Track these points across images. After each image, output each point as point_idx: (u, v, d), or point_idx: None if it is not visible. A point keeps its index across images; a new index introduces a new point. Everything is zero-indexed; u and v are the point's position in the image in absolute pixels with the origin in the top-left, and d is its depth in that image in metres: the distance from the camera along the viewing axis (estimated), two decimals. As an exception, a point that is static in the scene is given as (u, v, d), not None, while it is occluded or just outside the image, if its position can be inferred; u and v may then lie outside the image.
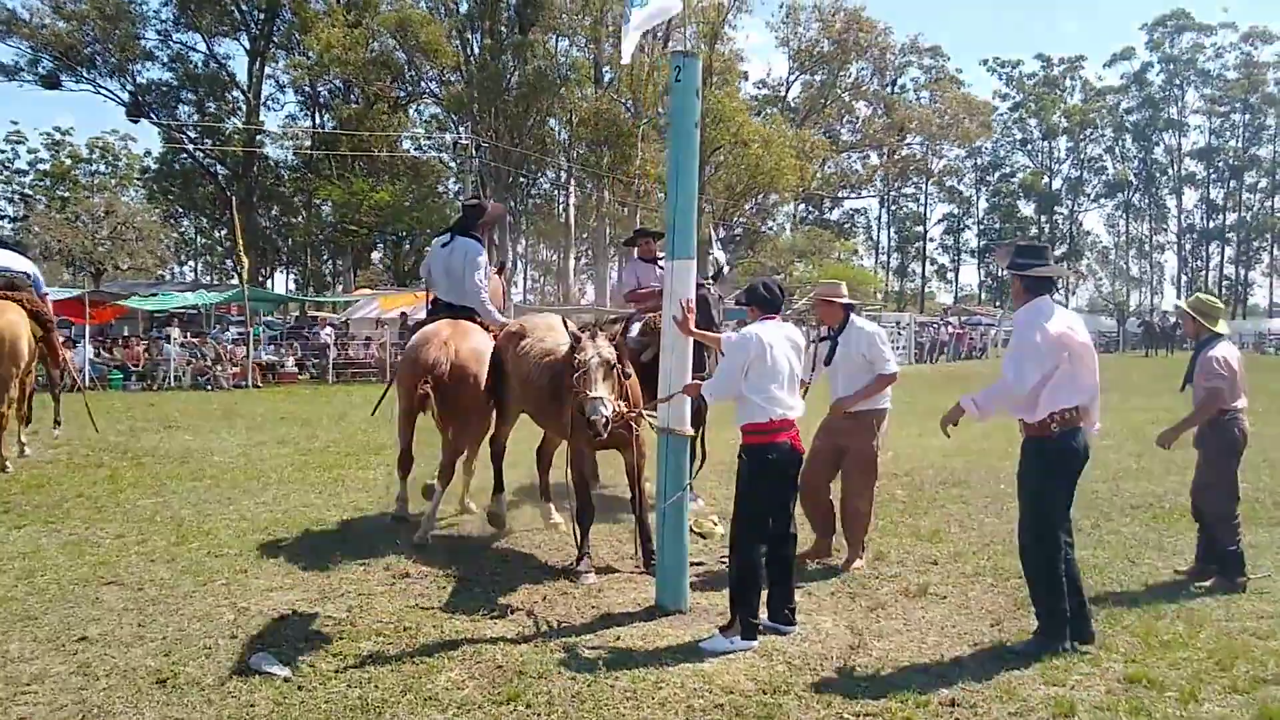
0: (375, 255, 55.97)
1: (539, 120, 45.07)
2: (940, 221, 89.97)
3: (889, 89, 69.18)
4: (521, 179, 47.27)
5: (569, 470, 7.67)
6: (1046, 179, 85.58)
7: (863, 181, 76.76)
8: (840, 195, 76.88)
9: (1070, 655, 5.67)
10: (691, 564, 7.56)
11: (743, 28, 47.33)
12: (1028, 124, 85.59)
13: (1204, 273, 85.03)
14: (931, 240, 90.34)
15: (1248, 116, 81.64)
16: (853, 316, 7.77)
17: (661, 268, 10.28)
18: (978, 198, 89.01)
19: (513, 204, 46.13)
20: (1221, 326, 7.55)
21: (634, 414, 7.15)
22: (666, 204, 6.67)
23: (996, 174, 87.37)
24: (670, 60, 6.51)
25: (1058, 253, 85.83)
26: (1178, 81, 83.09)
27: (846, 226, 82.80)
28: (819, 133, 57.38)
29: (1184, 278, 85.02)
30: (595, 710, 4.94)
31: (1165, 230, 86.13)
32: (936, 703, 5.03)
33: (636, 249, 10.69)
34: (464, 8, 45.30)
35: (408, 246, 48.40)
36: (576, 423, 7.31)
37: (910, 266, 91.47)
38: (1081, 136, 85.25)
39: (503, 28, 44.79)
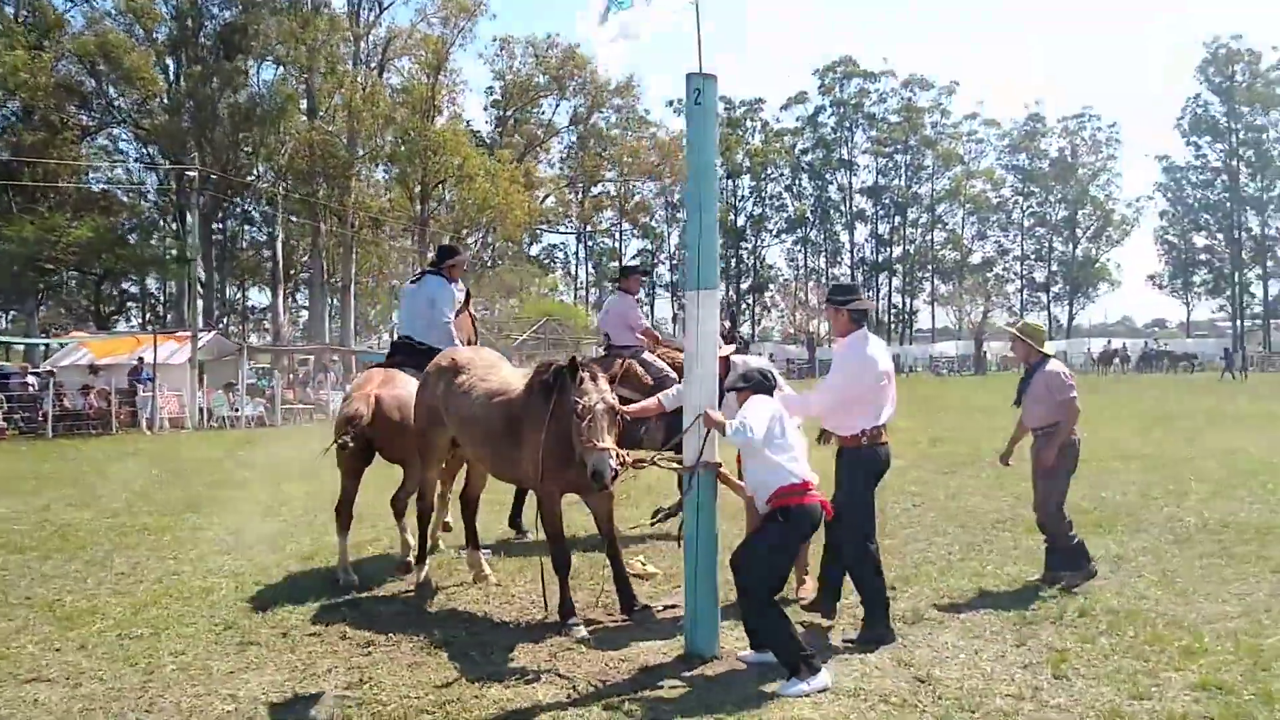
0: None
1: (251, 151, 42.92)
2: (635, 256, 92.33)
3: (583, 125, 70.31)
4: (228, 212, 44.78)
5: (539, 518, 7.19)
6: (732, 216, 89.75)
7: (560, 217, 77.91)
8: (540, 229, 77.61)
9: (1127, 665, 5.83)
10: (665, 606, 7.34)
11: (458, 60, 47.21)
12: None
13: (875, 302, 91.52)
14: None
15: (909, 157, 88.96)
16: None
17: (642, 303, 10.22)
18: (669, 234, 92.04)
19: (220, 239, 43.63)
20: (1048, 347, 8.27)
21: (645, 462, 6.78)
22: (687, 232, 6.38)
23: (684, 211, 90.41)
24: (687, 82, 6.24)
25: (744, 285, 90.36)
26: (847, 124, 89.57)
27: (546, 262, 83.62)
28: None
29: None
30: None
31: (840, 263, 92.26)
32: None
33: (625, 283, 10.85)
34: (163, 32, 42.44)
35: (109, 288, 44.72)
36: (550, 468, 6.88)
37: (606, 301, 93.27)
38: (762, 175, 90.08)
39: (206, 54, 42.33)
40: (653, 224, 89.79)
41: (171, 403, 28.36)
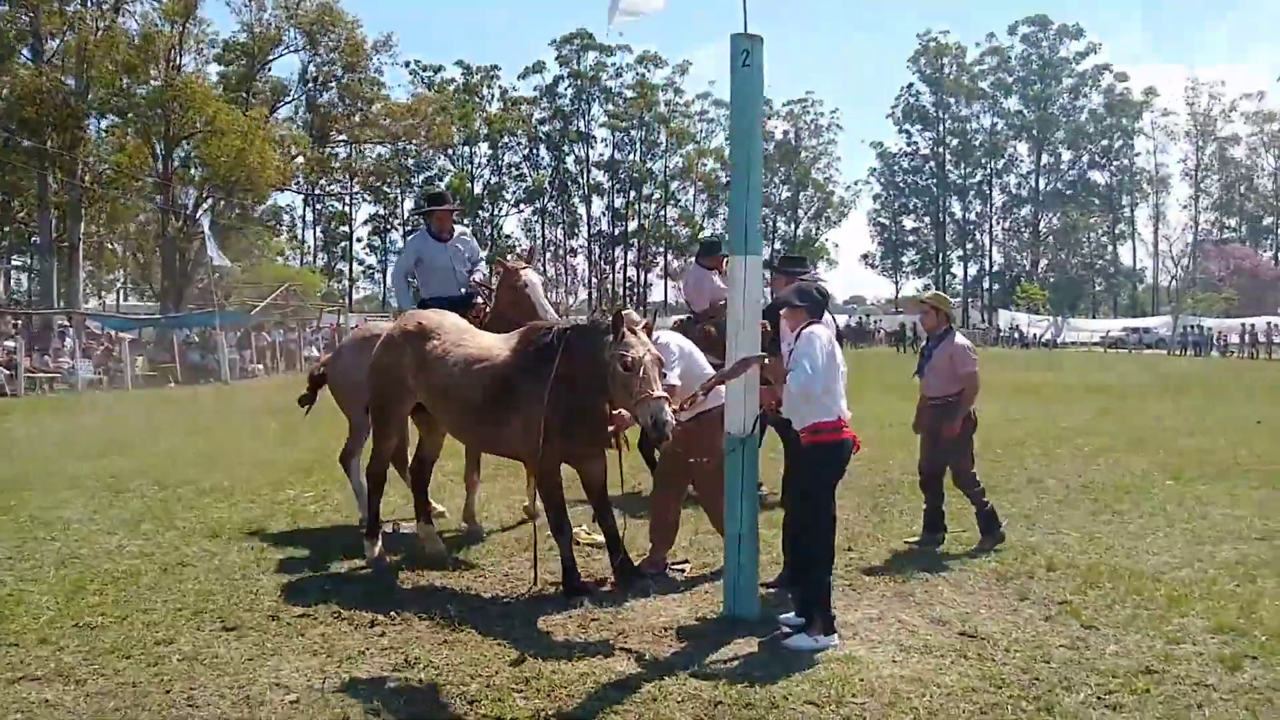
0: None
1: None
2: (367, 222, 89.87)
3: (330, 84, 67.32)
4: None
5: (538, 489, 6.94)
6: (470, 184, 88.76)
7: (287, 178, 74.51)
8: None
9: (1135, 614, 6.23)
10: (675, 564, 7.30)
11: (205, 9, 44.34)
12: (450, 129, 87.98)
13: (611, 275, 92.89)
14: (359, 240, 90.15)
15: (643, 133, 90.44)
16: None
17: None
18: (403, 199, 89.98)
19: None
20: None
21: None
22: (732, 198, 6.27)
23: (421, 177, 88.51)
24: (733, 44, 6.10)
25: (482, 254, 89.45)
26: (584, 97, 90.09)
27: (271, 224, 79.91)
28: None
29: (594, 279, 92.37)
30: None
31: (577, 235, 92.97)
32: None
33: (715, 260, 10.55)
34: None
35: None
36: (552, 438, 6.64)
37: (337, 266, 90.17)
38: (500, 144, 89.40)
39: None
40: (385, 189, 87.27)
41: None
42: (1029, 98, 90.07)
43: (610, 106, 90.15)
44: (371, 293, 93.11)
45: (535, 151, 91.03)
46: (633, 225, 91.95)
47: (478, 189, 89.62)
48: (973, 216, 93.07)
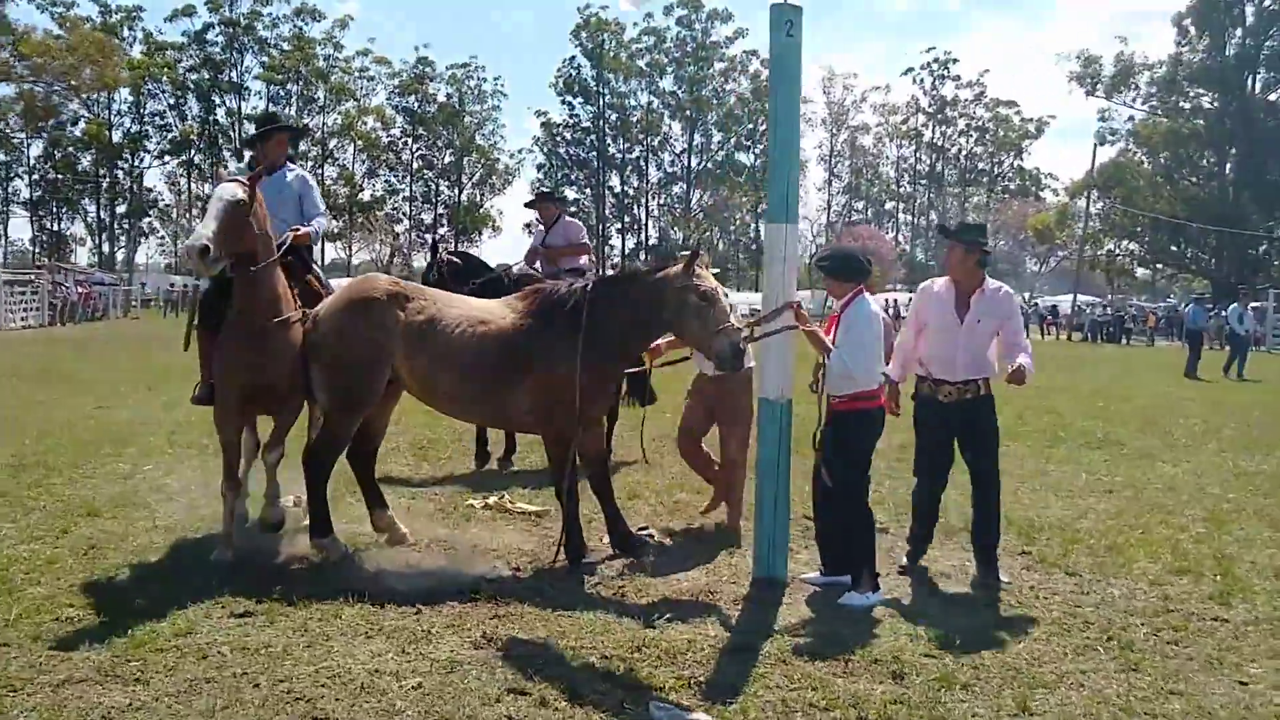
0: None
1: None
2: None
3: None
4: None
5: (550, 453, 6.76)
6: (108, 131, 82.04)
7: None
8: None
9: (1101, 562, 6.92)
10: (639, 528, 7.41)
11: None
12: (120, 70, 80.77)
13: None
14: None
15: (300, 87, 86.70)
16: None
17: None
18: (29, 145, 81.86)
19: None
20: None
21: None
22: (771, 168, 6.30)
23: (52, 122, 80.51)
24: (774, 15, 6.13)
25: (120, 209, 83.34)
26: (237, 46, 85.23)
27: None
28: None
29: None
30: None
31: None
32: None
33: (538, 213, 10.71)
34: None
35: None
36: (593, 394, 6.50)
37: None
38: (143, 90, 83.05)
39: None
40: (9, 132, 78.96)
41: None
42: (683, 79, 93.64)
43: (265, 58, 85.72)
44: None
45: (183, 100, 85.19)
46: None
47: (117, 137, 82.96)
48: (631, 191, 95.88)
